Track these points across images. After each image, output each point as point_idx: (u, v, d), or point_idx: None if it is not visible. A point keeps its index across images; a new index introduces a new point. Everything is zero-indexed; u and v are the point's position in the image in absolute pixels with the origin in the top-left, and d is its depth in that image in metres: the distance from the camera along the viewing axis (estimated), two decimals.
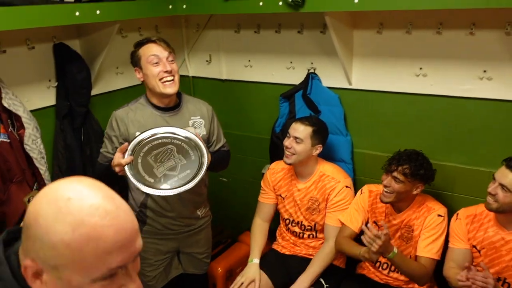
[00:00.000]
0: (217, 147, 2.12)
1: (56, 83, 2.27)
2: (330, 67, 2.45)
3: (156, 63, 1.86)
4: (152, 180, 1.80)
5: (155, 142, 1.85)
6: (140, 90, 2.71)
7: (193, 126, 2.01)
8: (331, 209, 2.24)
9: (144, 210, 2.07)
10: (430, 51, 2.16)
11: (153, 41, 1.89)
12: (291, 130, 2.20)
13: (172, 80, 1.88)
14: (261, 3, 2.13)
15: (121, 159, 1.76)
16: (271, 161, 2.73)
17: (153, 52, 1.86)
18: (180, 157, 1.87)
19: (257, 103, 2.83)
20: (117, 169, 1.79)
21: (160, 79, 1.86)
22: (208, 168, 1.97)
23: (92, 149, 2.40)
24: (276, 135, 2.64)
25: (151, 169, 1.83)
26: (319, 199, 2.26)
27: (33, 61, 2.18)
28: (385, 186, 2.02)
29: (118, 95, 2.63)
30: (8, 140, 1.93)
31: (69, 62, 2.22)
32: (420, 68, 2.20)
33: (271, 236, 2.81)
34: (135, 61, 1.92)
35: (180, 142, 1.87)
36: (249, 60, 2.74)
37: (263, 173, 2.93)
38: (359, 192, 2.25)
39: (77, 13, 1.90)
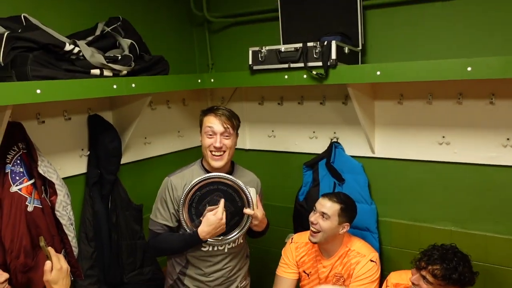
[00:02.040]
0: None
1: (88, 152, 2.35)
2: (352, 136, 2.51)
3: (210, 135, 1.93)
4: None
5: (204, 190, 1.93)
6: (167, 158, 2.83)
7: None
8: (353, 283, 2.14)
9: (183, 277, 2.06)
10: (451, 120, 2.21)
11: (214, 113, 1.94)
12: (318, 205, 2.16)
13: (221, 155, 1.94)
14: (286, 76, 2.25)
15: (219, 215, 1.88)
16: (295, 230, 2.71)
17: (210, 124, 1.93)
18: (228, 204, 1.94)
19: (280, 172, 2.86)
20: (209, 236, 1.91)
21: (210, 151, 1.94)
22: (254, 234, 2.06)
23: (118, 216, 2.42)
24: (299, 203, 2.65)
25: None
26: (344, 275, 2.18)
27: (68, 131, 2.28)
28: (413, 284, 1.86)
29: (146, 164, 2.70)
30: (41, 206, 1.98)
31: (102, 132, 2.32)
32: (443, 137, 2.24)
33: None
34: (200, 125, 2.01)
35: (226, 188, 1.94)
36: (273, 131, 2.82)
37: (286, 242, 2.90)
38: (384, 284, 2.15)
39: (114, 86, 2.02)
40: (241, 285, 2.16)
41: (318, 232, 2.11)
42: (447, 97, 2.21)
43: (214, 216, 1.87)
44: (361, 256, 2.16)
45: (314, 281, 2.27)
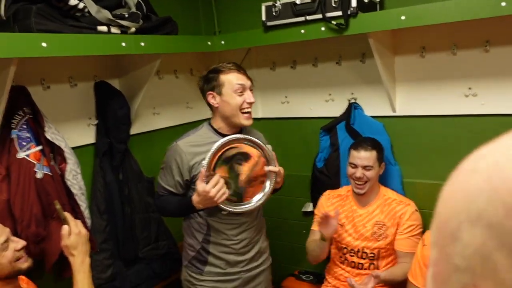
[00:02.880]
0: None
1: (96, 121, 2.24)
2: (372, 96, 2.40)
3: (241, 92, 1.80)
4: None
5: (225, 155, 1.79)
6: (177, 130, 2.71)
7: None
8: (403, 234, 2.09)
9: (207, 245, 1.93)
10: (478, 70, 2.10)
11: (237, 70, 1.82)
12: (356, 160, 2.08)
13: (250, 112, 1.84)
14: (302, 31, 2.13)
15: (206, 187, 1.66)
16: (312, 198, 2.61)
17: (240, 81, 1.80)
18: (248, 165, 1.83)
19: (295, 140, 2.75)
20: (201, 205, 1.73)
21: (241, 109, 1.80)
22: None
23: (131, 188, 2.31)
24: (318, 170, 2.54)
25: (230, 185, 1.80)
26: (387, 223, 2.11)
27: (75, 98, 2.17)
28: None
29: (156, 135, 2.59)
30: (51, 174, 1.86)
31: (110, 99, 2.21)
32: (469, 88, 2.13)
33: (319, 278, 2.62)
34: (212, 86, 1.81)
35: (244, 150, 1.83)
36: (286, 96, 2.71)
37: (304, 212, 2.80)
38: (420, 243, 2.02)
39: (123, 44, 1.90)
40: (263, 246, 2.07)
41: (366, 182, 2.09)
42: (473, 46, 2.10)
43: (200, 186, 1.68)
44: (406, 204, 2.12)
45: (349, 230, 2.18)
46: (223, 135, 1.85)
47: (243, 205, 1.87)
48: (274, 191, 1.97)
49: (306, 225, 2.81)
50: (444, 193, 0.36)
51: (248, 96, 1.81)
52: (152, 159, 2.57)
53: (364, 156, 2.07)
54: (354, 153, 2.11)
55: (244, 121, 1.82)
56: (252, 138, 1.83)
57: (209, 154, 1.72)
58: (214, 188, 1.67)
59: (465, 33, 2.07)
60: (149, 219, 2.39)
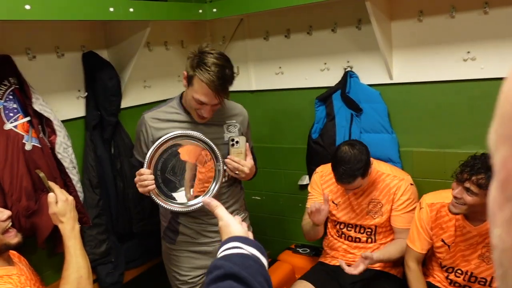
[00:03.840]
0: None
1: (86, 93, 2.16)
2: (368, 63, 2.35)
3: (200, 105, 1.68)
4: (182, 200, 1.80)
5: (166, 154, 1.73)
6: None
7: (228, 131, 1.87)
8: (398, 210, 2.04)
9: (176, 216, 1.92)
10: (477, 33, 2.05)
11: (211, 86, 1.62)
12: (346, 190, 2.04)
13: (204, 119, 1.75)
14: None
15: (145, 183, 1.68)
16: (308, 170, 2.57)
17: (202, 98, 1.65)
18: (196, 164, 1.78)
19: (290, 112, 2.70)
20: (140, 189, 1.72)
21: (196, 111, 1.73)
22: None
23: (123, 162, 2.25)
24: (313, 140, 2.49)
25: (174, 185, 1.76)
26: (382, 200, 2.06)
27: (62, 70, 2.09)
28: (455, 197, 1.73)
29: (147, 108, 2.51)
30: (40, 146, 1.80)
31: (99, 70, 2.13)
32: (468, 52, 2.09)
33: (317, 251, 2.60)
34: (189, 69, 1.69)
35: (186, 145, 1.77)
36: (280, 67, 2.64)
37: (300, 185, 2.77)
38: (417, 207, 2.01)
39: (111, 9, 1.82)
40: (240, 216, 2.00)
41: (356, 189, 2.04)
42: (471, 8, 2.04)
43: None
44: (400, 179, 2.06)
45: (345, 210, 2.14)
46: (188, 113, 1.80)
47: (178, 204, 1.80)
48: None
49: (302, 199, 2.78)
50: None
51: (204, 111, 1.70)
52: None
53: (351, 187, 1.97)
54: (340, 185, 2.01)
55: (197, 119, 1.76)
56: (198, 135, 1.74)
57: (150, 150, 1.70)
58: (141, 176, 1.68)
59: None
60: (142, 194, 2.33)
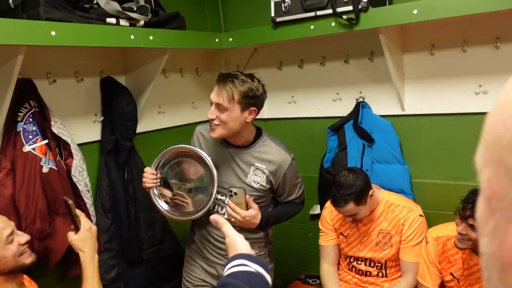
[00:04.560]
0: (285, 200, 1.93)
1: (102, 118, 2.19)
2: (380, 94, 2.38)
3: (211, 104, 1.74)
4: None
5: (173, 162, 1.85)
6: (182, 130, 2.67)
7: (253, 174, 1.82)
8: (406, 242, 2.01)
9: (193, 223, 2.02)
10: (489, 67, 2.09)
11: (219, 83, 1.72)
12: (345, 218, 2.03)
13: (215, 126, 1.73)
14: (312, 26, 2.11)
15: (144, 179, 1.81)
16: (320, 200, 2.57)
17: (211, 95, 1.73)
18: (195, 180, 1.84)
19: (302, 140, 2.71)
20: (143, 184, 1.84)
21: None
22: (268, 225, 1.89)
23: (135, 187, 2.26)
24: (325, 170, 2.50)
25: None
26: (391, 231, 2.03)
27: (81, 94, 2.13)
28: (460, 234, 1.70)
29: (161, 134, 2.55)
30: (56, 169, 1.81)
31: (116, 95, 2.17)
32: (480, 86, 2.12)
33: None
34: None
35: (194, 161, 1.83)
36: (293, 96, 2.68)
37: (311, 214, 2.75)
38: (423, 241, 1.99)
39: (132, 37, 1.87)
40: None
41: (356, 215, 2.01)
42: (483, 43, 2.08)
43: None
44: (408, 210, 2.03)
45: (354, 242, 2.11)
46: (226, 141, 1.84)
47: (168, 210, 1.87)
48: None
49: (313, 228, 2.76)
50: (497, 107, 0.36)
51: (210, 111, 1.73)
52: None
53: (344, 212, 1.97)
54: (336, 209, 2.02)
55: (209, 131, 1.78)
56: (204, 155, 1.78)
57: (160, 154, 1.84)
58: (144, 173, 1.81)
59: (475, 29, 2.06)
60: (154, 220, 2.33)
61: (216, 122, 1.71)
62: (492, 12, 1.78)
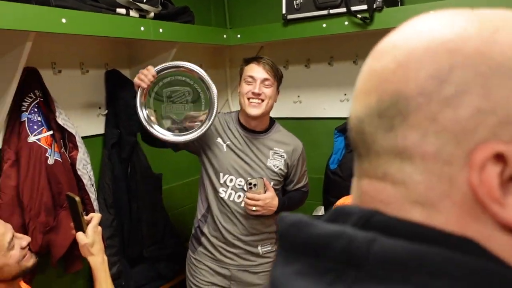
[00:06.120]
0: (295, 187, 2.01)
1: (106, 111, 2.14)
2: None
3: (250, 82, 1.79)
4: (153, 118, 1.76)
5: (178, 77, 1.78)
6: None
7: (273, 158, 1.88)
8: None
9: (203, 225, 1.91)
10: None
11: (257, 61, 1.81)
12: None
13: (258, 103, 1.78)
14: (324, 25, 2.08)
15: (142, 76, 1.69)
16: (325, 202, 2.53)
17: (251, 72, 1.79)
18: (191, 106, 1.78)
19: (307, 141, 2.64)
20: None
21: (248, 98, 1.79)
22: (284, 207, 1.86)
23: (138, 184, 2.21)
24: (332, 171, 2.46)
25: (159, 104, 1.78)
26: None
27: (85, 86, 2.07)
28: None
29: None
30: (61, 161, 1.76)
31: (122, 88, 2.12)
32: None
33: None
34: (240, 75, 1.88)
35: (198, 88, 1.79)
36: (298, 96, 2.65)
37: (314, 216, 2.72)
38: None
39: (142, 28, 1.83)
40: (262, 251, 1.94)
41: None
42: None
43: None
44: None
45: None
46: (244, 127, 1.87)
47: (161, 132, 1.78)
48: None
49: None
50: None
51: (254, 86, 1.78)
52: (160, 155, 2.46)
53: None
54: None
55: (249, 108, 1.79)
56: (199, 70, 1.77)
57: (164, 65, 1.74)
58: (144, 70, 1.69)
59: None
60: (156, 217, 2.28)
61: (262, 97, 1.77)
62: None
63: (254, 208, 1.77)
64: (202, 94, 1.80)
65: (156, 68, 1.71)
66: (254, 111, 1.79)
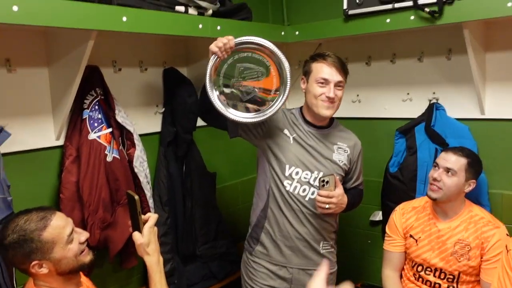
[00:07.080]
0: (353, 184, 1.98)
1: (163, 109, 2.15)
2: (457, 96, 2.20)
3: (322, 83, 1.74)
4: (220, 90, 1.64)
5: (255, 56, 1.66)
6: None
7: (337, 152, 1.86)
8: (492, 262, 1.80)
9: (263, 220, 1.86)
10: None
11: (327, 61, 1.75)
12: (440, 160, 1.88)
13: (334, 103, 1.76)
14: (388, 20, 1.97)
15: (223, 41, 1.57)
16: (383, 206, 2.41)
17: (323, 74, 1.74)
18: (261, 88, 1.68)
19: (365, 142, 2.53)
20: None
21: (322, 100, 1.75)
22: (349, 205, 1.83)
23: (193, 181, 2.21)
24: (392, 175, 2.33)
25: (229, 77, 1.65)
26: (471, 243, 1.85)
27: (144, 84, 2.09)
28: None
29: (219, 130, 2.48)
30: (119, 158, 1.78)
31: (179, 86, 2.12)
32: None
33: None
34: (304, 71, 1.83)
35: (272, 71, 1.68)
36: (358, 95, 2.54)
37: (371, 221, 2.61)
38: (503, 251, 1.78)
39: (200, 26, 1.81)
40: (323, 250, 1.90)
41: (441, 189, 1.83)
42: None
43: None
44: (494, 226, 1.83)
45: (425, 247, 1.94)
46: (308, 122, 1.84)
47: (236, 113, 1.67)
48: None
49: (372, 235, 2.62)
50: None
51: (328, 90, 1.73)
52: (215, 154, 2.47)
53: (449, 159, 1.85)
54: (442, 154, 1.91)
55: (322, 109, 1.76)
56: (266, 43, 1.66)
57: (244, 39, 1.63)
58: (224, 39, 1.58)
59: None
60: (209, 216, 2.27)
61: (335, 99, 1.76)
62: None
63: (327, 206, 1.72)
64: (275, 78, 1.70)
65: (236, 40, 1.61)
66: (327, 112, 1.77)
